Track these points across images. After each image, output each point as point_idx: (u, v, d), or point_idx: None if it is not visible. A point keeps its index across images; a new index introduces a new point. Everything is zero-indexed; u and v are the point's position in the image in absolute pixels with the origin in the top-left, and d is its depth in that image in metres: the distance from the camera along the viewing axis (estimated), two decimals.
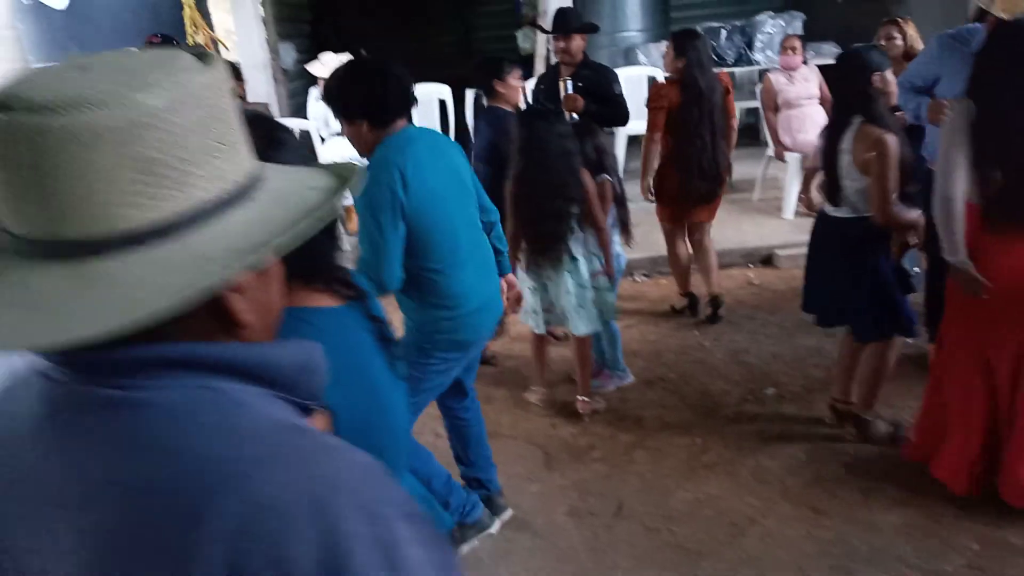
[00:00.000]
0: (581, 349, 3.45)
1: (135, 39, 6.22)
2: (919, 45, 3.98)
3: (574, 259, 3.26)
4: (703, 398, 3.58)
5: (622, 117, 4.09)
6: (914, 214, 2.80)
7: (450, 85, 6.86)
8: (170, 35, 4.13)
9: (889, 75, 2.88)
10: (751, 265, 5.19)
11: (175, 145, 0.58)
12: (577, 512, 2.89)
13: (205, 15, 6.28)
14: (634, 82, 6.93)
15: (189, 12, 5.40)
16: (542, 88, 4.23)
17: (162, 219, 0.59)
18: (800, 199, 4.94)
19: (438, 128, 6.78)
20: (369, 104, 2.31)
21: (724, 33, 7.15)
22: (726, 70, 7.16)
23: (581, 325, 3.31)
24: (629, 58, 7.36)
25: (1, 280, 0.60)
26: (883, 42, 4.03)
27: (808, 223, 3.24)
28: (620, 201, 3.53)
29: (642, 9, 7.98)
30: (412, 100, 2.39)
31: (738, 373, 3.77)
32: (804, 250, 3.20)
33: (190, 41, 5.70)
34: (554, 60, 4.39)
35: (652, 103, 4.17)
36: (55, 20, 7.25)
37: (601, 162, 3.45)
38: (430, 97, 6.81)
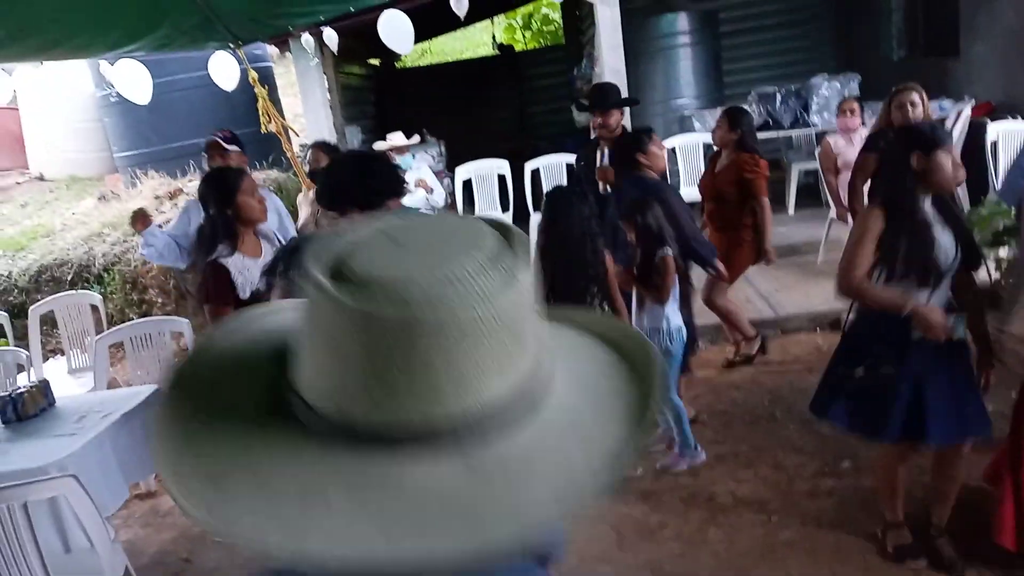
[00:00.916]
0: None
1: (208, 131, 6.58)
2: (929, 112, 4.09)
3: None
4: (777, 472, 3.50)
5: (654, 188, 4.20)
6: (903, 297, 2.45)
7: (508, 159, 7.04)
8: (234, 132, 4.42)
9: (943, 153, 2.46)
10: (818, 329, 5.09)
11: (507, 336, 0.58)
12: None
13: (276, 103, 6.62)
14: (689, 149, 7.00)
15: (263, 103, 5.68)
16: (582, 164, 4.32)
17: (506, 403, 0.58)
18: None
19: (498, 201, 6.94)
20: (358, 192, 2.53)
21: (779, 97, 7.18)
22: (782, 134, 7.18)
23: None
24: (684, 126, 7.43)
25: (359, 474, 0.56)
26: (902, 109, 4.07)
27: None
28: (683, 275, 3.54)
29: (695, 77, 8.09)
30: (401, 182, 2.70)
31: (812, 444, 3.68)
32: None
33: (264, 130, 5.99)
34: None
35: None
36: (138, 113, 7.71)
37: (661, 235, 3.49)
38: (490, 172, 6.99)
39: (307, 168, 4.50)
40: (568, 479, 0.58)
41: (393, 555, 0.51)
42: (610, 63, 6.85)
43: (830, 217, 5.89)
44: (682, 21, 8.06)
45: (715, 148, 4.63)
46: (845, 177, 5.55)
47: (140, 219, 4.05)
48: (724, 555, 2.97)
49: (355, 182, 2.56)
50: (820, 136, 6.58)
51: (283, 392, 0.60)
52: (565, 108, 9.37)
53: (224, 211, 2.86)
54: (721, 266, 3.96)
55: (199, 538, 3.65)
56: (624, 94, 6.87)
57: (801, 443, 3.71)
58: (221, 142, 4.60)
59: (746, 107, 5.57)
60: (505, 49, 14.08)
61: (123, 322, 5.54)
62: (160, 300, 6.37)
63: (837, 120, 5.69)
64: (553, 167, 6.87)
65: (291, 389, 0.59)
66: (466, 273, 0.57)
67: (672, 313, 3.54)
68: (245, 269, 2.82)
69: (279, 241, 3.12)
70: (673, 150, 7.11)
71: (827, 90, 7.10)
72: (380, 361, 0.55)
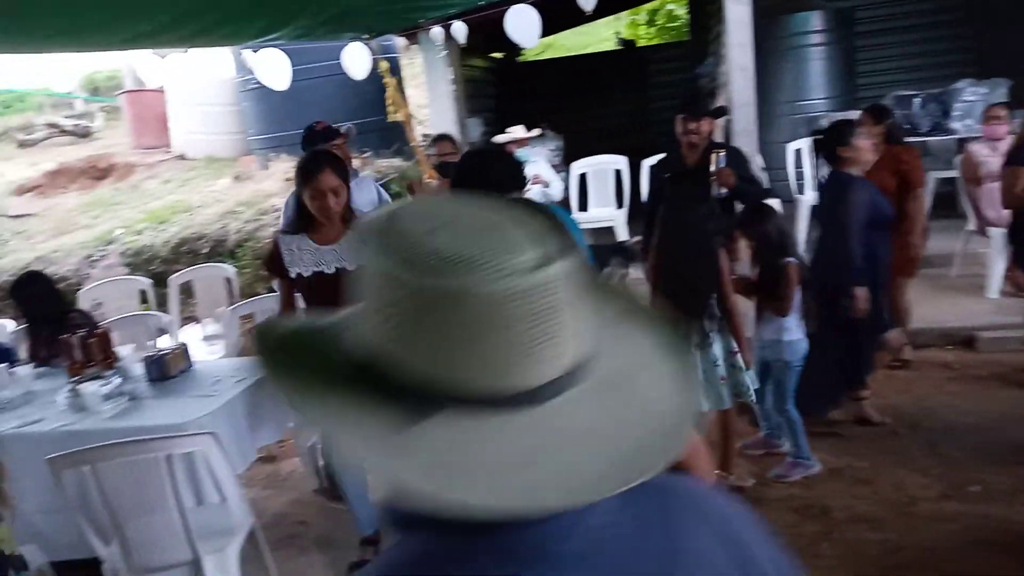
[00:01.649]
0: (719, 425, 3.40)
1: (337, 118, 6.85)
2: None
3: (706, 335, 3.22)
4: (897, 491, 3.35)
5: (764, 195, 4.06)
6: None
7: (626, 155, 7.00)
8: (329, 124, 4.23)
9: None
10: (949, 347, 4.83)
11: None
12: None
13: (402, 94, 6.82)
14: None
15: (391, 93, 5.88)
16: (665, 174, 4.02)
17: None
18: (1007, 277, 4.59)
19: (613, 196, 6.91)
20: (487, 185, 2.62)
21: (918, 101, 6.83)
22: (920, 140, 6.83)
23: (704, 402, 3.27)
24: (812, 128, 7.17)
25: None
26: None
27: (1017, 304, 3.01)
28: (806, 284, 3.44)
29: (827, 78, 7.80)
30: (523, 177, 2.89)
31: (937, 466, 3.50)
32: (1010, 332, 2.97)
33: (390, 119, 6.19)
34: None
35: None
36: (273, 99, 8.10)
37: (783, 244, 3.40)
38: (606, 167, 6.97)
39: (432, 159, 4.58)
40: (626, 449, 0.62)
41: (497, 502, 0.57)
42: (738, 61, 6.70)
43: (968, 229, 5.58)
44: (816, 19, 7.78)
45: None
46: (988, 188, 5.24)
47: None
48: (837, 571, 2.88)
49: (485, 175, 2.68)
50: (961, 143, 6.22)
51: (354, 362, 0.63)
52: None
53: (297, 189, 3.04)
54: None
55: (315, 504, 3.84)
56: (751, 94, 6.73)
57: (925, 463, 3.54)
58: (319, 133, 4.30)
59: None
60: (628, 44, 13.97)
61: (252, 296, 5.85)
62: None
63: (984, 128, 5.38)
64: None
65: (362, 358, 0.63)
66: (525, 252, 0.60)
67: (793, 325, 3.44)
68: (299, 250, 2.98)
69: None
70: (799, 152, 6.89)
71: (971, 95, 6.71)
72: (451, 332, 0.59)
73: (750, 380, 3.30)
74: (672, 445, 0.64)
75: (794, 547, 3.02)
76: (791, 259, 3.37)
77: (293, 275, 3.01)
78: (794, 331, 3.44)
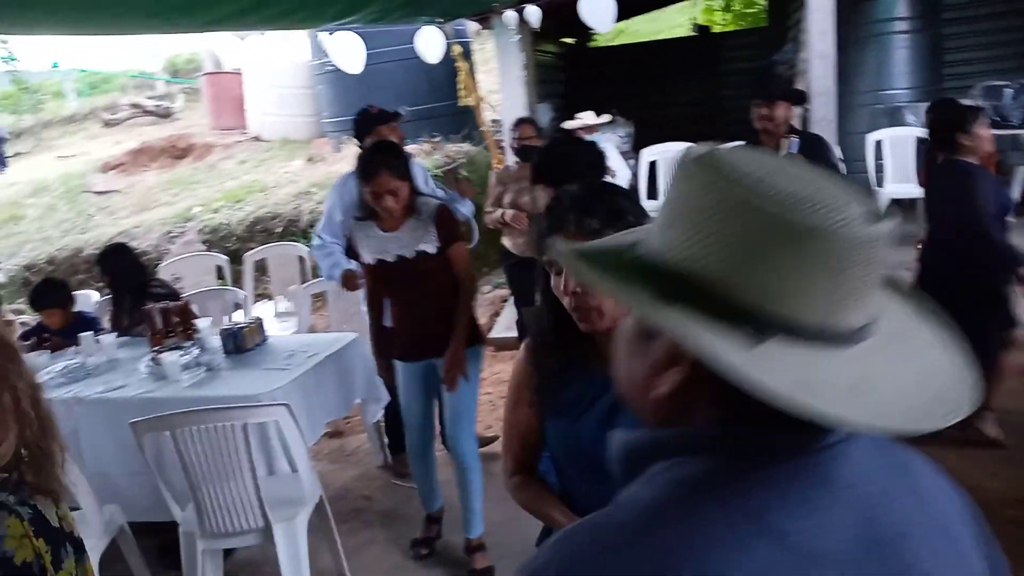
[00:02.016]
0: None
1: (408, 102, 6.91)
2: None
3: None
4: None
5: None
6: None
7: (698, 143, 6.88)
8: (383, 108, 4.11)
9: None
10: None
11: None
12: None
13: (473, 78, 6.86)
14: (899, 143, 6.55)
15: (464, 77, 5.91)
16: None
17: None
18: None
19: None
20: (576, 169, 2.71)
21: (1009, 92, 6.52)
22: (1010, 132, 6.53)
23: None
24: (894, 118, 6.93)
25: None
26: None
27: None
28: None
29: (911, 66, 7.50)
30: (605, 163, 3.01)
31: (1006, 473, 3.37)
32: None
33: (462, 103, 6.22)
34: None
35: None
36: (347, 82, 8.22)
37: None
38: (678, 155, 6.87)
39: (514, 143, 4.53)
40: (928, 396, 0.67)
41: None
42: (818, 48, 6.51)
43: None
44: (901, 5, 7.47)
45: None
46: None
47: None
48: None
49: (573, 160, 2.76)
50: None
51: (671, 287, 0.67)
52: None
53: (359, 184, 2.98)
54: None
55: (380, 479, 3.93)
56: (831, 82, 6.53)
57: (994, 469, 3.40)
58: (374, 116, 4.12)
59: (969, 101, 5.10)
60: (702, 30, 13.69)
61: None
62: None
63: None
64: None
65: (686, 277, 0.66)
66: (861, 204, 0.64)
67: None
68: (366, 237, 2.98)
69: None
70: (880, 143, 6.67)
71: None
72: (803, 266, 0.62)
73: None
74: (964, 400, 0.68)
75: None
76: None
77: (368, 260, 3.04)
78: None
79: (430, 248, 2.92)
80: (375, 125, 3.85)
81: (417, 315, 3.02)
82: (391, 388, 3.34)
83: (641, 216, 1.40)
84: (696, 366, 0.66)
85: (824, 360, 0.64)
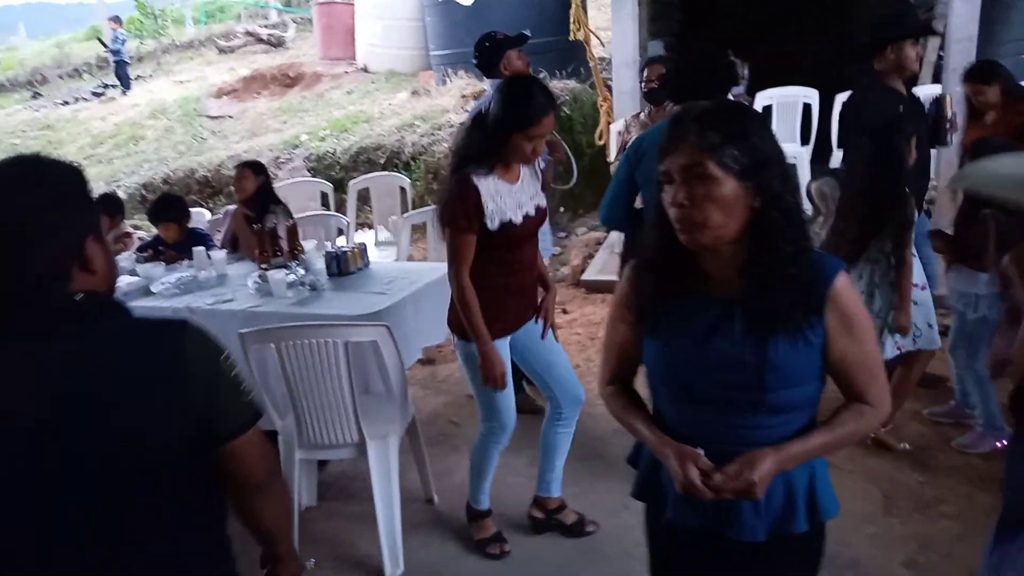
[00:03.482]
0: (902, 372, 3.23)
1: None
2: None
3: (876, 284, 3.04)
4: None
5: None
6: None
7: (818, 89, 6.53)
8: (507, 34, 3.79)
9: None
10: None
11: None
12: (916, 566, 2.63)
13: (584, 13, 6.66)
14: None
15: (575, 10, 5.75)
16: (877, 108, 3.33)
17: None
18: None
19: (798, 132, 6.49)
20: (710, 81, 2.65)
21: None
22: None
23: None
24: None
25: None
26: None
27: None
28: (1007, 241, 3.10)
29: None
30: (737, 75, 3.08)
31: None
32: None
33: (572, 37, 6.07)
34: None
35: None
36: (456, 15, 8.16)
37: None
38: (795, 99, 6.55)
39: (643, 86, 4.15)
40: None
41: None
42: None
43: None
44: None
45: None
46: None
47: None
48: None
49: (709, 72, 2.71)
50: None
51: None
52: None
53: (506, 126, 2.39)
54: None
55: (468, 407, 3.99)
56: (974, 28, 6.02)
57: None
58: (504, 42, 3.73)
59: None
60: None
61: (423, 207, 6.05)
62: None
63: None
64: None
65: None
66: None
67: (990, 278, 3.14)
68: (497, 195, 2.45)
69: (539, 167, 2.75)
70: None
71: None
72: None
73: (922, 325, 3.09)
74: None
75: (964, 516, 2.83)
76: (990, 211, 3.04)
77: (496, 226, 2.45)
78: (992, 285, 3.14)
79: (542, 202, 2.63)
80: (507, 49, 3.62)
81: (526, 282, 2.68)
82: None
83: (766, 139, 1.34)
84: None
85: None
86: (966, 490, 3.00)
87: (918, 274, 3.10)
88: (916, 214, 3.10)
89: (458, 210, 2.42)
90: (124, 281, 3.51)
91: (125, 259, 3.97)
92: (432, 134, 7.53)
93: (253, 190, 4.04)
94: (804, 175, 6.10)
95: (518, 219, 2.49)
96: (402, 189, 5.67)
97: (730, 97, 2.97)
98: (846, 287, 1.38)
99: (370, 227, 6.01)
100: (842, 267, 1.39)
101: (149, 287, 3.54)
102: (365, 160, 7.64)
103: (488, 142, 2.42)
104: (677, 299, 1.43)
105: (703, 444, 1.38)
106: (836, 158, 6.25)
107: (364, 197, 6.07)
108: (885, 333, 3.06)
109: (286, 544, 1.44)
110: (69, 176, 1.19)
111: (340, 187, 6.52)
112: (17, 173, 1.16)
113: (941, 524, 2.83)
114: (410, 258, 4.84)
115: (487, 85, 3.85)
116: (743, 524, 1.43)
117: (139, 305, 3.28)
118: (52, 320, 1.13)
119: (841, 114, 3.72)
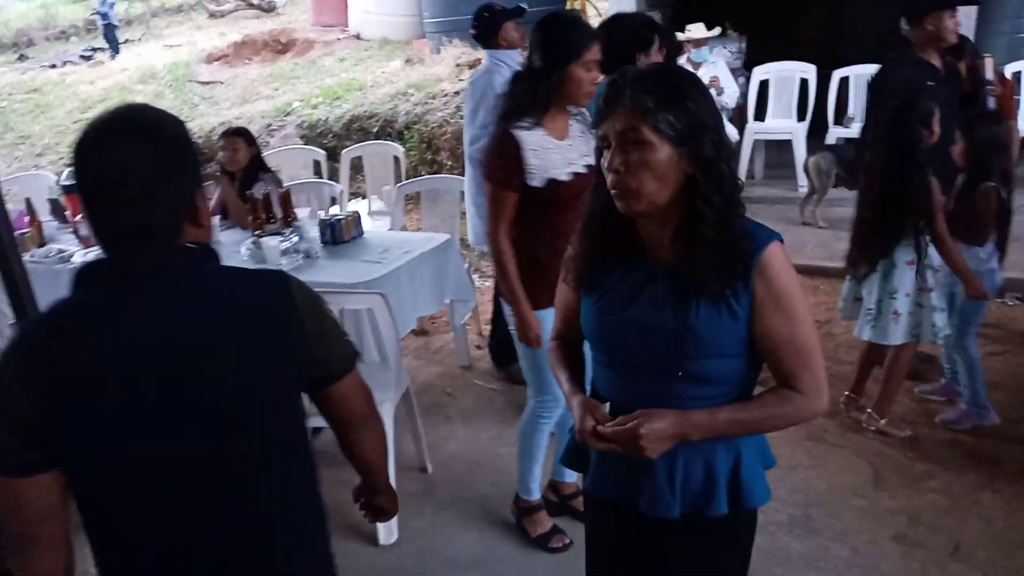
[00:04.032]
0: (892, 361, 3.22)
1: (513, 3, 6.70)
2: None
3: (893, 263, 3.02)
4: None
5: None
6: None
7: (815, 64, 6.48)
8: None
9: None
10: None
11: None
12: (904, 540, 2.67)
13: None
14: None
15: None
16: (898, 79, 3.33)
17: None
18: None
19: (794, 108, 6.45)
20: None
21: None
22: None
23: (866, 329, 3.12)
24: None
25: None
26: None
27: None
28: (1003, 215, 3.11)
29: None
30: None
31: None
32: None
33: (569, 6, 6.00)
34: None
35: None
36: None
37: (989, 166, 3.05)
38: (791, 75, 6.51)
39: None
40: None
41: None
42: None
43: None
44: None
45: None
46: None
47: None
48: (999, 524, 2.70)
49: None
50: None
51: None
52: (892, 14, 8.36)
53: (561, 60, 2.25)
54: None
55: (462, 379, 4.00)
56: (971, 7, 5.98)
57: None
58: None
59: None
60: None
61: (417, 176, 6.00)
62: (449, 163, 6.80)
63: None
64: (866, 78, 6.21)
65: None
66: None
67: (988, 255, 3.15)
68: (543, 150, 2.29)
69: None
70: (1018, 75, 6.14)
71: None
72: None
73: (942, 322, 3.06)
74: None
75: (952, 490, 2.87)
76: (991, 184, 3.04)
77: (538, 183, 2.29)
78: (990, 261, 3.15)
79: (592, 160, 2.29)
80: (504, 20, 3.67)
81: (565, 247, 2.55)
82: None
83: (702, 104, 1.32)
84: None
85: None
86: (955, 465, 3.03)
87: (929, 277, 3.06)
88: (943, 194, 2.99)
89: (496, 165, 2.32)
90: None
91: None
92: (426, 103, 7.45)
93: (247, 160, 3.99)
94: (800, 151, 6.09)
95: (566, 177, 2.31)
96: (396, 158, 5.62)
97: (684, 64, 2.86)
98: (779, 259, 1.34)
99: (363, 196, 5.95)
100: (777, 238, 1.36)
101: None
102: (358, 128, 7.56)
103: (542, 86, 2.28)
104: (612, 264, 1.45)
105: (630, 410, 1.36)
106: (833, 134, 6.24)
107: (357, 166, 6.01)
108: (890, 318, 3.07)
109: (384, 474, 1.52)
110: (182, 129, 1.19)
111: (333, 155, 6.45)
112: (138, 124, 1.14)
113: (929, 498, 2.87)
114: (403, 228, 4.81)
115: (484, 56, 3.82)
116: (656, 499, 1.43)
117: None
118: (173, 273, 1.15)
119: (868, 86, 3.66)
